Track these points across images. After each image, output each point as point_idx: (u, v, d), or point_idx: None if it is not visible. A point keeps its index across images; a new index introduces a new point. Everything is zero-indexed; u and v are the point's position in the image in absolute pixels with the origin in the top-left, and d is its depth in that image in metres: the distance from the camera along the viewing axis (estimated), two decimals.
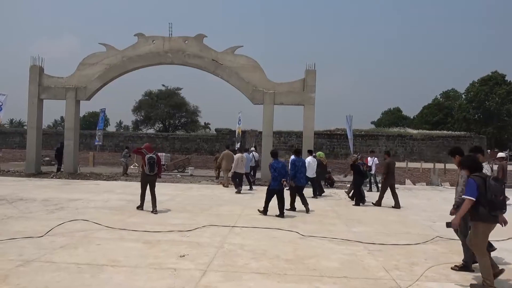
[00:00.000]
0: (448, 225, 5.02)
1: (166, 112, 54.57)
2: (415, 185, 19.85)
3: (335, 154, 34.94)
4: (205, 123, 68.52)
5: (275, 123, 18.75)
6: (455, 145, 5.93)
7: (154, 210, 9.27)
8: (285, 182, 9.35)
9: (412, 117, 65.46)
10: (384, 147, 35.51)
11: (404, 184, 19.90)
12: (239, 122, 26.57)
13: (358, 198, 11.81)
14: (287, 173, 9.64)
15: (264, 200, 9.59)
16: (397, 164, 22.29)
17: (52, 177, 17.62)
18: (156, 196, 9.61)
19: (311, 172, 12.98)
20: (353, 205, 11.63)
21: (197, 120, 58.76)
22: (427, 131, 41.20)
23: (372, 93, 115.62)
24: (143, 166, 9.52)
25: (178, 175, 21.38)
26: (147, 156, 9.40)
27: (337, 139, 36.15)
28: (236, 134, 28.05)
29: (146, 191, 9.60)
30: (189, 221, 8.36)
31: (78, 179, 17.44)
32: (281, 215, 9.21)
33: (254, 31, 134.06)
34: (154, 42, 18.94)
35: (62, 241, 6.42)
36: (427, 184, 20.02)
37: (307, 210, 10.00)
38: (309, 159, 13.21)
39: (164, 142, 40.61)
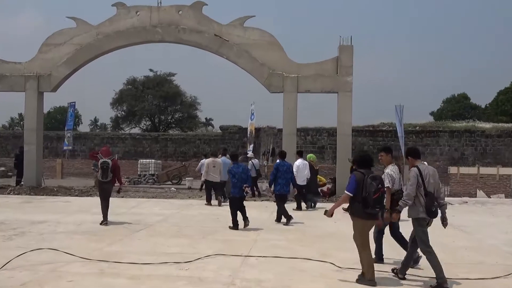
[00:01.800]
0: (325, 212, 6.74)
1: (156, 105, 55.04)
2: (490, 197, 19.52)
3: None
4: (206, 119, 68.90)
5: (300, 118, 18.76)
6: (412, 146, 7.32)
7: (104, 222, 10.96)
8: (246, 189, 10.82)
9: (484, 107, 64.55)
10: (446, 146, 35.08)
11: (475, 197, 19.59)
12: (252, 117, 26.65)
13: None
14: (249, 178, 11.13)
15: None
16: (466, 170, 22.03)
17: (9, 193, 17.96)
18: (109, 206, 11.23)
19: (301, 179, 13.71)
20: None
21: (196, 115, 59.13)
22: (505, 125, 40.48)
23: (430, 76, 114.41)
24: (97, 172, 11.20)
25: (173, 188, 21.51)
26: (101, 160, 10.93)
27: (383, 137, 35.83)
28: (248, 132, 28.14)
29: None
30: (188, 249, 8.39)
31: (43, 194, 17.71)
32: (246, 223, 10.70)
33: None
34: (138, 14, 19.14)
35: (23, 277, 6.49)
36: (506, 197, 19.67)
37: (287, 222, 11.46)
38: (298, 163, 13.97)
39: (153, 145, 40.96)
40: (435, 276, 6.25)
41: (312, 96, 19.04)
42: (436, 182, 6.54)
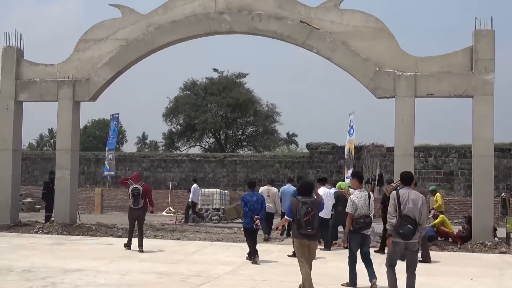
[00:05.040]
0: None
1: (221, 116, 55.93)
2: None
3: None
4: (288, 134, 69.31)
5: (419, 132, 18.30)
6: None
7: (140, 249, 14.43)
8: (257, 220, 12.91)
9: None
10: None
11: None
12: (351, 132, 26.37)
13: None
14: (263, 208, 13.37)
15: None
16: None
17: (37, 232, 18.79)
18: (143, 233, 15.03)
19: (325, 211, 14.31)
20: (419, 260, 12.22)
21: (274, 129, 59.46)
22: None
23: None
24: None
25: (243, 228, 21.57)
26: (131, 187, 14.39)
27: None
28: (346, 152, 27.86)
29: (134, 227, 14.90)
30: None
31: (78, 234, 18.37)
32: (254, 259, 12.94)
33: None
34: None
35: None
36: None
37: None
38: (321, 192, 14.47)
39: (217, 170, 41.61)
40: None
41: (436, 102, 18.53)
42: (416, 207, 8.97)
